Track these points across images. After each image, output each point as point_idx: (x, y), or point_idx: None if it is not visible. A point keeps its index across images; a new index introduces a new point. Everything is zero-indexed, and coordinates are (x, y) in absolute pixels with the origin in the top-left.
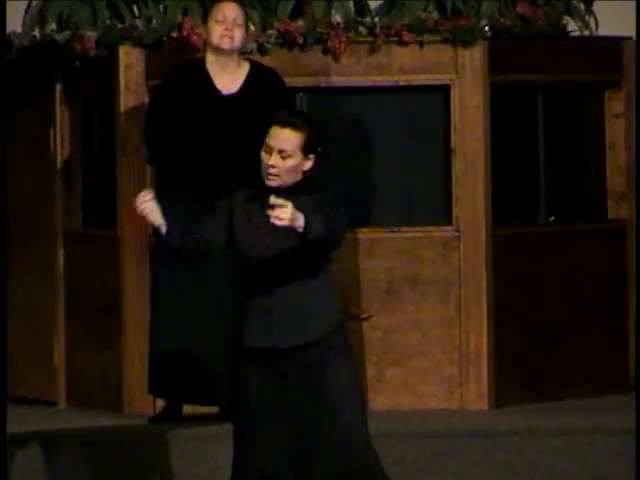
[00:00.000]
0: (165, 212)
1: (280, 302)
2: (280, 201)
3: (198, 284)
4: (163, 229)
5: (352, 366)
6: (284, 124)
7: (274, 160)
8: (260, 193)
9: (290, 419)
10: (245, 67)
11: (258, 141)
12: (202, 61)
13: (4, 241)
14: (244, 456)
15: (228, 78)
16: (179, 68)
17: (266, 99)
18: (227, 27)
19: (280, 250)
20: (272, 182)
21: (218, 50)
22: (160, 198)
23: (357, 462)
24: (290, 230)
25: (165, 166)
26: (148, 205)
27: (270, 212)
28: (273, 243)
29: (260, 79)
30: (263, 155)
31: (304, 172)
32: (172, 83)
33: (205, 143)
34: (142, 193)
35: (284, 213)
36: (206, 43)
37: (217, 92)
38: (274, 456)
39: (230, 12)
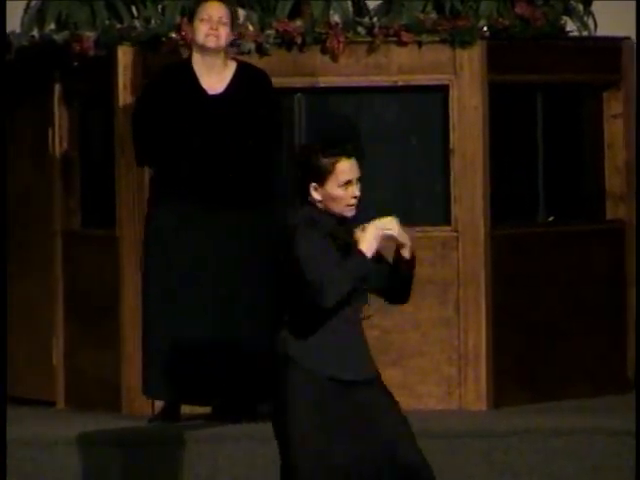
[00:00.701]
0: (156, 212)
1: (356, 336)
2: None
3: (189, 283)
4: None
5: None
6: (349, 154)
7: (358, 190)
8: (337, 226)
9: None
10: (232, 67)
11: (244, 140)
12: (188, 61)
13: (4, 241)
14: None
15: (214, 78)
16: (165, 69)
17: (252, 99)
18: (212, 26)
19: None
20: (351, 213)
21: (204, 49)
22: (150, 198)
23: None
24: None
25: (153, 166)
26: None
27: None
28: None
29: (247, 79)
30: (338, 191)
31: None
32: (158, 83)
33: (192, 143)
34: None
35: (391, 224)
36: (192, 43)
37: (203, 92)
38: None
39: (215, 11)
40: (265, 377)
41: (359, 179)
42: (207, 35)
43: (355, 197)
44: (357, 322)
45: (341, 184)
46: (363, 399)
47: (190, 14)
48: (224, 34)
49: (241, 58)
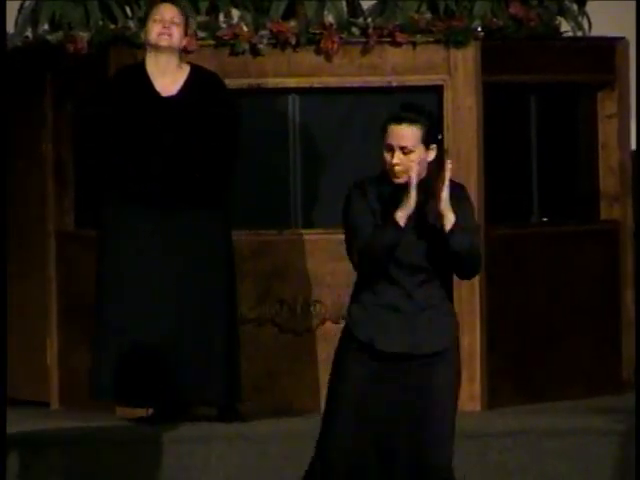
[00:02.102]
0: (110, 215)
1: (414, 308)
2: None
3: (142, 283)
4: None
5: (456, 380)
6: (400, 120)
7: (397, 158)
8: (390, 192)
9: (380, 421)
10: (186, 69)
11: (198, 142)
12: (142, 64)
13: (4, 241)
14: (327, 439)
15: (168, 80)
16: (118, 71)
17: (206, 101)
18: (165, 25)
19: (420, 256)
20: (400, 179)
21: (157, 48)
22: (105, 201)
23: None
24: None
25: (104, 168)
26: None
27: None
28: (413, 248)
29: (200, 82)
30: (384, 155)
31: (429, 164)
32: (111, 85)
33: (145, 144)
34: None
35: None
36: (146, 44)
37: (156, 94)
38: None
39: (167, 12)
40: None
41: (403, 148)
42: (159, 34)
43: (394, 165)
44: (417, 291)
45: (386, 148)
46: (398, 376)
47: (144, 18)
48: (177, 34)
49: (237, 58)
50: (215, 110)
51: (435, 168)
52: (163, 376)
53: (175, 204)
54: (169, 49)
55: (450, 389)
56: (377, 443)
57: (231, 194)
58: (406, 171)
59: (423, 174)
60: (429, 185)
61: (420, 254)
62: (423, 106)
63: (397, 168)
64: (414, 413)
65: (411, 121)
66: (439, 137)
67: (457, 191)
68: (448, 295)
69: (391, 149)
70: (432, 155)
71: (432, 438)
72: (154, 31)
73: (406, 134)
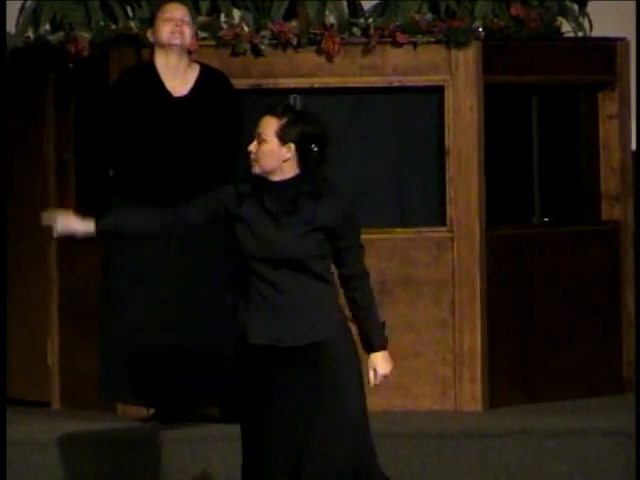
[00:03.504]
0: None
1: (284, 300)
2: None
3: (149, 284)
4: (91, 227)
5: (353, 369)
6: (266, 111)
7: (252, 145)
8: (260, 188)
9: (290, 418)
10: (195, 69)
11: (209, 143)
12: (152, 64)
13: (4, 242)
14: (251, 448)
15: (179, 80)
16: (128, 70)
17: (215, 101)
18: (176, 23)
19: (285, 250)
20: (253, 168)
21: (169, 47)
22: (114, 202)
23: (350, 464)
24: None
25: (117, 169)
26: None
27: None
28: (278, 242)
29: (210, 81)
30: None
31: (284, 162)
32: (122, 85)
33: (157, 145)
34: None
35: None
36: (155, 44)
37: (168, 94)
38: (274, 454)
39: (177, 11)
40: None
41: (259, 137)
42: (172, 33)
43: (250, 151)
44: (287, 285)
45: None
46: (275, 370)
47: (151, 18)
48: (188, 33)
49: (237, 59)
50: (221, 109)
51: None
52: (170, 376)
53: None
54: (181, 48)
55: (342, 377)
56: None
57: None
58: (257, 161)
59: (283, 173)
60: (302, 184)
61: (290, 251)
62: (304, 111)
63: (250, 155)
64: (306, 401)
65: (272, 113)
66: (313, 147)
67: (342, 204)
68: (327, 286)
69: (253, 137)
70: (286, 154)
71: (337, 429)
72: (165, 30)
73: (263, 123)
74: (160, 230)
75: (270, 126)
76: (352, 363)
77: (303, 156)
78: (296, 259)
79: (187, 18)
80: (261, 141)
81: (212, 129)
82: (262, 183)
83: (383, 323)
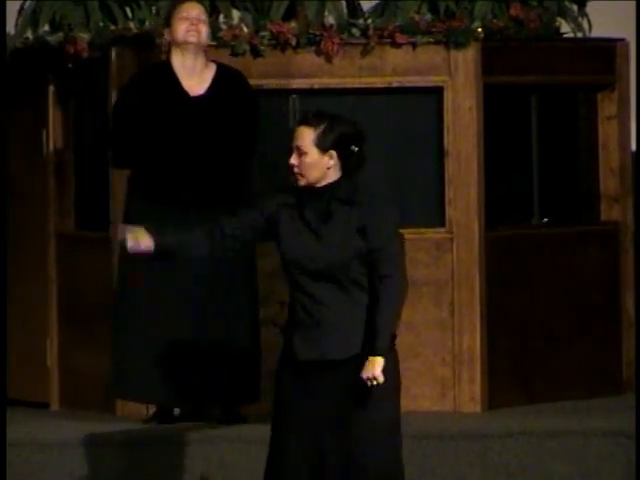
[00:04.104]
0: (136, 215)
1: (325, 314)
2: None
3: (165, 283)
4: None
5: (391, 380)
6: (299, 122)
7: (292, 159)
8: (298, 197)
9: (317, 432)
10: (212, 69)
11: (226, 142)
12: (168, 63)
13: (4, 242)
14: (274, 461)
15: (195, 80)
16: (145, 70)
17: (233, 101)
18: (192, 22)
19: (329, 263)
20: (299, 182)
21: (185, 45)
22: (130, 200)
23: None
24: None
25: (133, 168)
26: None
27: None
28: (317, 254)
29: (227, 81)
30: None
31: (328, 169)
32: (138, 84)
33: (174, 145)
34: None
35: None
36: (171, 43)
37: (185, 94)
38: (296, 465)
39: (193, 9)
40: (246, 377)
41: (299, 150)
42: (188, 31)
43: (291, 166)
44: (326, 297)
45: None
46: (319, 383)
47: (166, 18)
48: (204, 31)
49: (236, 60)
50: (238, 108)
51: (348, 182)
52: (184, 375)
53: (202, 203)
54: (197, 46)
55: (385, 390)
56: (311, 452)
57: (251, 194)
58: (301, 174)
59: (329, 179)
60: (336, 191)
61: (328, 262)
62: (338, 115)
63: (293, 170)
64: (342, 416)
65: (307, 122)
66: (353, 148)
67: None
68: (367, 297)
69: (291, 151)
70: (329, 162)
71: (362, 439)
72: (181, 29)
73: (300, 135)
74: (210, 250)
75: (307, 137)
76: (390, 374)
77: (345, 159)
78: (336, 269)
79: (203, 17)
80: (301, 154)
81: (229, 128)
82: (300, 193)
83: (394, 336)
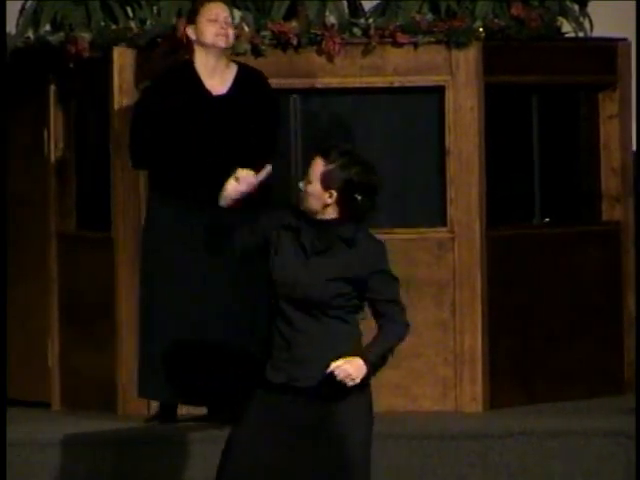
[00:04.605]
0: (156, 214)
1: (300, 339)
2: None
3: (187, 284)
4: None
5: (364, 429)
6: (319, 151)
7: (301, 182)
8: (299, 222)
9: (284, 456)
10: (233, 68)
11: (247, 141)
12: (190, 63)
13: (4, 242)
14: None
15: (217, 79)
16: (167, 70)
17: (254, 100)
18: (221, 25)
19: (309, 294)
20: (301, 204)
21: (213, 48)
22: (151, 200)
23: None
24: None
25: (153, 169)
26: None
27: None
28: (303, 282)
29: (248, 80)
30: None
31: (327, 206)
32: (161, 85)
33: (197, 144)
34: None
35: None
36: (196, 43)
37: (207, 93)
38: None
39: (222, 11)
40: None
41: (308, 177)
42: (217, 35)
43: (299, 188)
44: (305, 328)
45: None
46: (287, 407)
47: (191, 14)
48: (231, 34)
49: (237, 59)
50: (260, 108)
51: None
52: (212, 374)
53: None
54: (226, 49)
55: (355, 424)
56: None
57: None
58: (303, 199)
59: (325, 215)
60: (339, 228)
61: (313, 292)
62: (357, 155)
63: (300, 193)
64: (315, 448)
65: (321, 155)
66: (357, 197)
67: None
68: (351, 329)
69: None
70: (328, 199)
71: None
72: (210, 32)
73: (312, 162)
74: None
75: (317, 169)
76: (361, 405)
77: (345, 203)
78: (317, 302)
79: (229, 19)
80: (308, 182)
81: (251, 128)
82: (305, 218)
83: (384, 356)
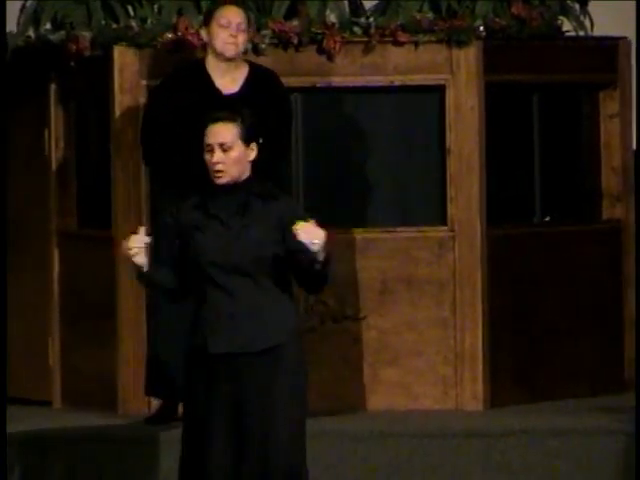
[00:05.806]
0: (162, 213)
1: (238, 308)
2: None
3: None
4: (144, 269)
5: (298, 379)
6: (216, 120)
7: (217, 156)
8: (206, 196)
9: (231, 426)
10: (244, 68)
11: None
12: (202, 62)
13: (4, 242)
14: (190, 458)
15: (228, 78)
16: (179, 68)
17: (265, 99)
18: (232, 33)
19: (245, 257)
20: (221, 179)
21: (222, 56)
22: (160, 198)
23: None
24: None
25: (163, 166)
26: (137, 251)
27: (300, 231)
28: (233, 249)
29: (259, 80)
30: (206, 156)
31: (251, 163)
32: (172, 83)
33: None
34: (136, 237)
35: (317, 236)
36: (207, 45)
37: (218, 92)
38: (216, 459)
39: (235, 17)
40: None
41: (224, 146)
42: (226, 43)
43: (216, 163)
44: (242, 292)
45: (206, 149)
46: (231, 376)
47: (206, 17)
48: (242, 42)
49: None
50: (271, 107)
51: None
52: None
53: None
54: (234, 58)
55: (292, 388)
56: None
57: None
58: (227, 170)
59: (246, 173)
60: (252, 185)
61: (243, 255)
62: (240, 108)
63: (218, 167)
64: (256, 412)
65: (227, 119)
66: (259, 140)
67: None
68: (283, 292)
69: (211, 149)
70: (253, 155)
71: (275, 439)
72: (220, 39)
73: (223, 131)
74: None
75: (231, 132)
76: (300, 374)
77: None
78: (253, 263)
79: (244, 25)
80: (226, 150)
81: (262, 127)
82: (206, 192)
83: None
